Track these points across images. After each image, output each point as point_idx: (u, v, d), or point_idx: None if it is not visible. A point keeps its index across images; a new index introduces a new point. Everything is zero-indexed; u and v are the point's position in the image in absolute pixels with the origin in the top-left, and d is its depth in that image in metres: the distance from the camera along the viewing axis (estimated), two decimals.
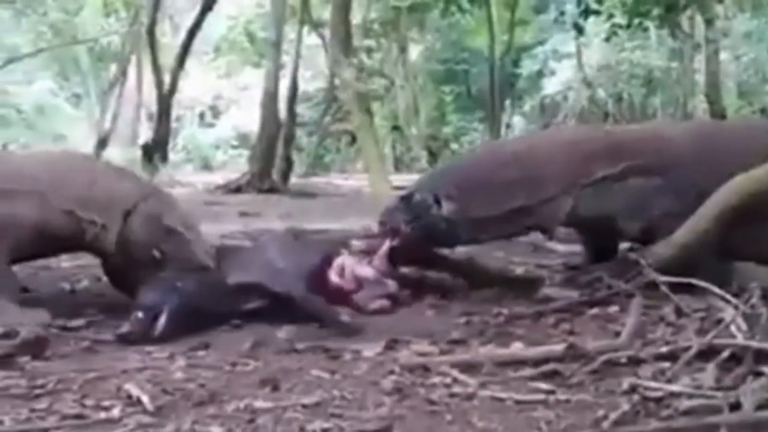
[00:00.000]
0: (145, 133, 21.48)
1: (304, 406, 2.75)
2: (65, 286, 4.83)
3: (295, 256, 4.19)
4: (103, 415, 2.66)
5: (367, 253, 4.31)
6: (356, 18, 21.43)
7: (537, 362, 3.18)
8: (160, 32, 20.29)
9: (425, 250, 4.50)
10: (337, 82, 15.04)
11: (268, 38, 15.56)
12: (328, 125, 22.26)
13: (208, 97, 28.27)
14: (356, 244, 4.39)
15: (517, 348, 3.38)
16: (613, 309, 3.98)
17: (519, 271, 4.99)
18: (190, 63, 20.74)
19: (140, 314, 3.60)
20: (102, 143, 20.62)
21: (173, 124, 22.29)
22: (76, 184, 4.16)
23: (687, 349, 3.17)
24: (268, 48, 15.25)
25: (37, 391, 2.90)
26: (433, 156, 23.26)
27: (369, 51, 22.78)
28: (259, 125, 14.66)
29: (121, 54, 22.60)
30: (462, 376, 3.05)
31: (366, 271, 4.22)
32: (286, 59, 16.12)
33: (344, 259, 4.24)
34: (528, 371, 3.12)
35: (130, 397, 2.80)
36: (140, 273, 4.01)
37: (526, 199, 4.38)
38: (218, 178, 16.32)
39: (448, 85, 26.24)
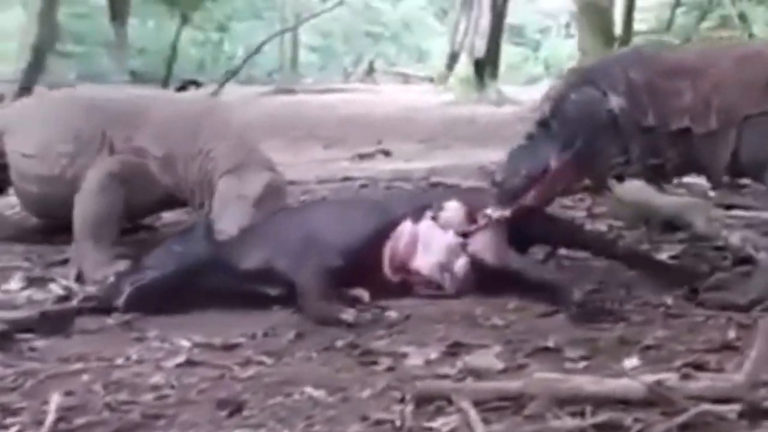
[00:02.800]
0: (505, 46, 21.00)
1: None
2: None
3: (349, 224, 3.35)
4: None
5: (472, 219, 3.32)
6: None
7: (603, 402, 2.20)
8: None
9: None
10: None
11: None
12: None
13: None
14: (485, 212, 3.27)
15: (586, 380, 2.35)
16: None
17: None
18: None
19: (112, 278, 3.23)
20: (453, 57, 20.50)
21: (536, 36, 21.52)
22: None
23: None
24: None
25: None
26: None
27: None
28: None
29: None
30: (477, 422, 2.15)
31: (440, 240, 3.27)
32: None
33: (413, 226, 3.30)
34: (580, 420, 2.14)
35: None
36: None
37: (692, 123, 3.10)
38: None
39: None
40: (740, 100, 3.07)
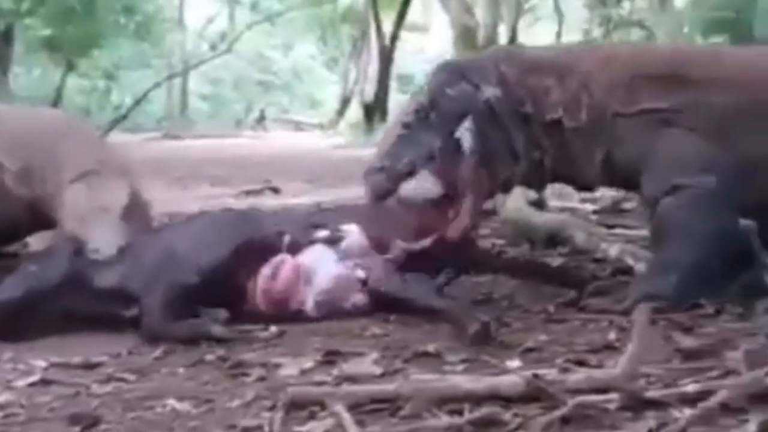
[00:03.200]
0: (393, 95, 21.26)
1: None
2: None
3: (211, 239, 3.10)
4: None
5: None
6: None
7: (482, 400, 2.10)
8: None
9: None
10: None
11: None
12: None
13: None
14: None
15: (463, 379, 2.26)
16: None
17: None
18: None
19: None
20: (344, 103, 20.63)
21: (423, 84, 21.82)
22: None
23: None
24: None
25: None
26: None
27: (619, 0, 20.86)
28: None
29: (364, 14, 22.44)
30: (350, 423, 2.02)
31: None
32: None
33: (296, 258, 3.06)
34: (457, 418, 2.04)
35: None
36: None
37: (564, 115, 3.08)
38: None
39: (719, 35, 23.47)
40: (607, 98, 3.07)
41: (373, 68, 21.79)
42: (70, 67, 21.25)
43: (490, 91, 3.08)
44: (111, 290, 3.03)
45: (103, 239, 3.27)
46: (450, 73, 3.20)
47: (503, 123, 3.08)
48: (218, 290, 3.00)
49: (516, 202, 4.36)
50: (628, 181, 3.18)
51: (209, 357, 2.64)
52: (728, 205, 2.92)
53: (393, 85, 18.78)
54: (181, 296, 2.95)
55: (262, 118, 24.43)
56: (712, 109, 3.00)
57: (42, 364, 2.62)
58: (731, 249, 2.91)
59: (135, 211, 3.48)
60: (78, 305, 3.02)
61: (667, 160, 2.95)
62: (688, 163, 2.95)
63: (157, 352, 2.72)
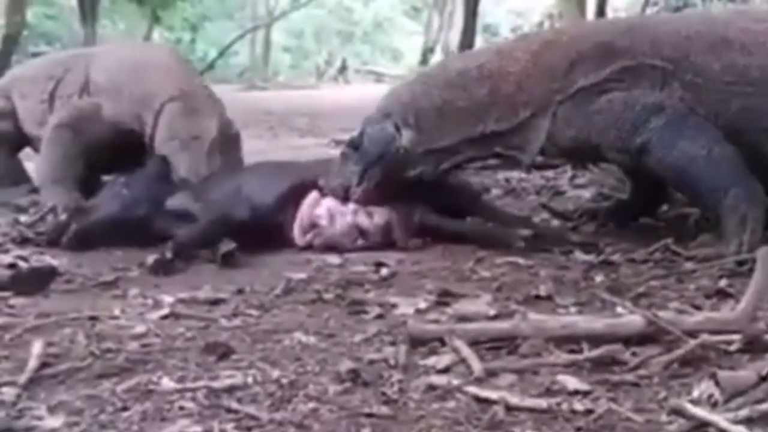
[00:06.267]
0: (479, 44, 21.03)
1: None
2: None
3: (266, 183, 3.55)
4: None
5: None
6: None
7: (600, 340, 2.15)
8: None
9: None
10: None
11: None
12: None
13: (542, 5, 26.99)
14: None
15: (580, 318, 2.30)
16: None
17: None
18: None
19: (63, 217, 3.52)
20: (426, 53, 20.51)
21: (509, 34, 21.47)
22: None
23: None
24: None
25: None
26: None
27: None
28: None
29: None
30: (473, 357, 2.10)
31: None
32: None
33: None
34: (577, 356, 2.10)
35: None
36: None
37: (496, 124, 3.32)
38: None
39: None
40: (542, 89, 3.25)
41: (458, 17, 21.56)
42: (156, 19, 21.55)
43: (405, 137, 3.43)
44: (177, 212, 3.44)
45: (190, 167, 3.74)
46: (380, 110, 3.56)
47: (414, 161, 3.43)
48: (265, 223, 3.43)
49: None
50: (584, 156, 3.48)
51: (328, 296, 2.74)
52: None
53: (478, 34, 18.52)
54: (228, 226, 3.34)
55: (343, 69, 24.40)
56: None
57: (169, 299, 2.74)
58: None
59: (225, 144, 3.81)
60: (152, 223, 3.45)
61: (618, 121, 3.10)
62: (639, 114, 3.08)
63: (278, 289, 2.82)
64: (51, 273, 2.98)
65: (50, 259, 3.24)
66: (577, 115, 3.18)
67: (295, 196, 3.48)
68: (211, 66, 19.82)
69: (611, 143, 3.12)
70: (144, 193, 3.51)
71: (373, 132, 3.48)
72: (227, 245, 3.19)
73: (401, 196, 3.46)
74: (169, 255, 3.12)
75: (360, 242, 3.41)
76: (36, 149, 4.51)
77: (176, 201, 3.50)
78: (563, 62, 3.25)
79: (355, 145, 3.54)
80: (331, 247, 3.38)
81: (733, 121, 3.03)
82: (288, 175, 3.61)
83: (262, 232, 3.39)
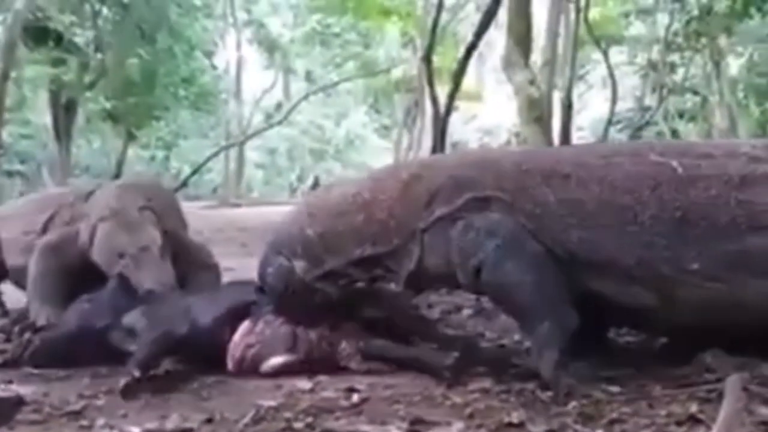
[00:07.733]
0: None
1: None
2: None
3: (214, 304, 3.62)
4: None
5: None
6: (660, 31, 20.10)
7: None
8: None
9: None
10: None
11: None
12: None
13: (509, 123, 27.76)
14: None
15: None
16: None
17: None
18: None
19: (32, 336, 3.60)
20: None
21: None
22: None
23: None
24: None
25: None
26: None
27: (672, 66, 20.92)
28: None
29: (419, 82, 22.77)
30: None
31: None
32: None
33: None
34: None
35: None
36: None
37: (373, 248, 3.49)
38: None
39: None
40: (410, 218, 3.41)
41: (427, 135, 22.06)
42: (131, 137, 21.84)
43: (299, 267, 3.57)
44: (129, 328, 3.47)
45: (152, 277, 3.87)
46: (270, 247, 3.72)
47: (315, 288, 3.56)
48: (204, 344, 3.46)
49: None
50: (453, 283, 3.48)
51: (298, 425, 2.70)
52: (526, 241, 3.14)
53: (447, 152, 18.89)
54: (168, 344, 3.39)
55: (315, 185, 24.72)
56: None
57: (136, 430, 2.70)
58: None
59: (184, 253, 4.15)
60: (110, 338, 3.48)
61: (460, 244, 3.25)
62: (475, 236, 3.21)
63: (247, 418, 2.78)
64: (17, 403, 2.93)
65: (17, 387, 3.19)
66: (437, 242, 3.34)
67: (237, 317, 3.53)
68: (184, 183, 19.95)
69: (458, 266, 3.25)
70: (104, 308, 3.59)
71: (273, 270, 3.63)
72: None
73: (340, 316, 3.55)
74: (137, 374, 3.11)
75: (294, 356, 3.43)
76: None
77: (130, 317, 3.54)
78: (425, 194, 3.42)
79: (262, 288, 3.69)
80: (267, 361, 3.42)
81: (573, 252, 3.12)
82: (235, 294, 3.70)
83: (207, 353, 3.43)
